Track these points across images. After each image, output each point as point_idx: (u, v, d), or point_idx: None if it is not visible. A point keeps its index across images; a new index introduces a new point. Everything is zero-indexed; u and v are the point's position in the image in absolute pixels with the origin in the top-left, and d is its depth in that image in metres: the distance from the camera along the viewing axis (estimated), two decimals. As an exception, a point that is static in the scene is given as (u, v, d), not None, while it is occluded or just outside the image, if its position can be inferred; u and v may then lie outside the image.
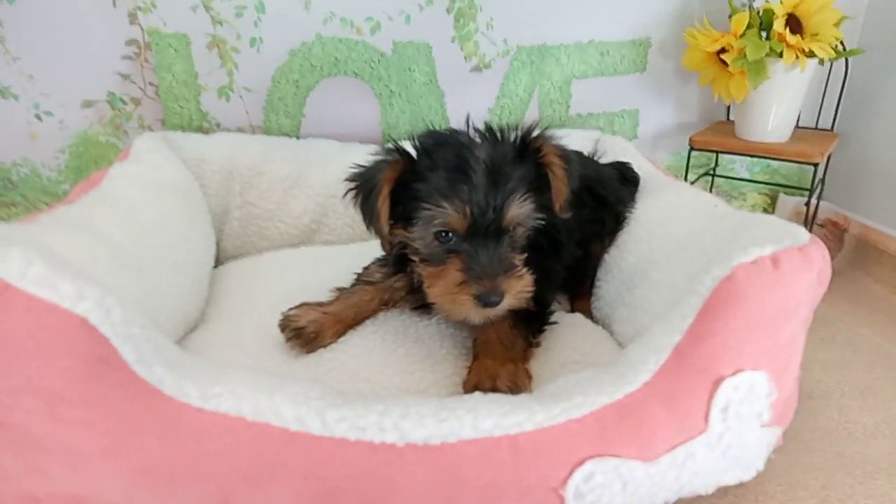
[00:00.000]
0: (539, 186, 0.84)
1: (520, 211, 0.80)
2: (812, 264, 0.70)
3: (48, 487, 0.61)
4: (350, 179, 0.86)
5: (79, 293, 0.57)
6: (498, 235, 0.80)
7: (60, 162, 1.45)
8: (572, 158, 0.87)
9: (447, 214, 0.78)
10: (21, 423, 0.59)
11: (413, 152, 0.83)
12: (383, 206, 0.81)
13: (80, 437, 0.59)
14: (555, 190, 0.84)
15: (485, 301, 0.77)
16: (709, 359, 0.68)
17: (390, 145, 0.84)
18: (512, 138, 0.85)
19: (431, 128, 0.89)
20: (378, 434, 0.63)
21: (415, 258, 0.86)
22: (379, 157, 0.84)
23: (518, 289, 0.80)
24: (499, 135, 0.85)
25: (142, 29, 1.36)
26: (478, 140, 0.84)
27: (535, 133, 0.85)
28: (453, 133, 0.86)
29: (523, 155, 0.83)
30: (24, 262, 0.58)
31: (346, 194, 0.86)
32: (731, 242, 0.73)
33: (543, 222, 0.85)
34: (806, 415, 0.98)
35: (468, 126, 0.86)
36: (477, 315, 0.80)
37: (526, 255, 0.85)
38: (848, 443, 0.93)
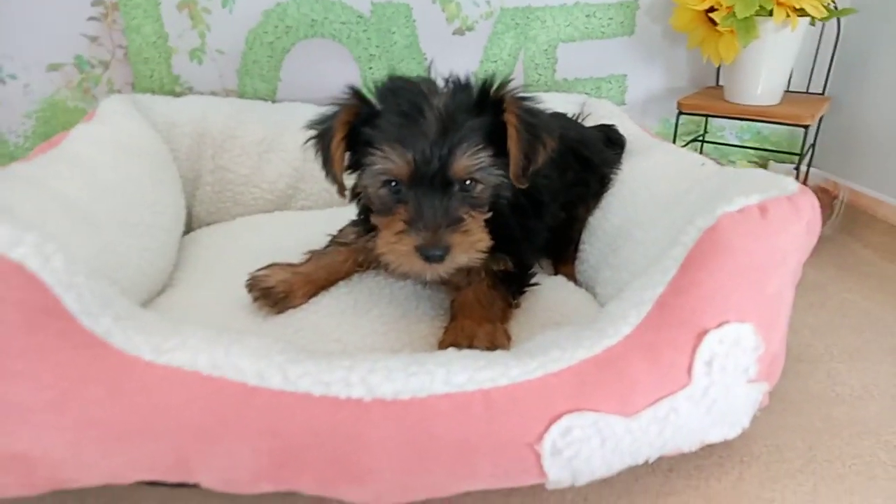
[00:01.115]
0: (503, 142, 0.79)
1: (469, 162, 0.75)
2: (801, 213, 0.67)
3: (-10, 446, 0.57)
4: (309, 126, 0.83)
5: (15, 238, 0.53)
6: (445, 187, 0.76)
7: (27, 128, 1.40)
8: (536, 120, 0.80)
9: (390, 161, 0.75)
10: (-43, 377, 0.55)
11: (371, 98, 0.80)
12: (337, 150, 0.78)
13: (21, 391, 0.55)
14: (510, 152, 0.78)
15: (426, 254, 0.73)
16: (692, 311, 0.64)
17: (347, 89, 0.80)
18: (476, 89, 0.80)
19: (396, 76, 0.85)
20: (344, 389, 0.59)
21: (368, 208, 0.82)
22: (336, 103, 0.80)
23: (466, 245, 0.75)
24: (459, 84, 0.80)
25: (108, -12, 1.30)
26: (442, 89, 0.80)
27: (497, 85, 0.79)
28: (415, 80, 0.82)
29: (483, 107, 0.78)
30: (-43, 204, 0.53)
31: (306, 142, 0.82)
32: (717, 195, 0.70)
33: (504, 179, 0.80)
34: (794, 377, 0.95)
35: (428, 73, 0.82)
36: (422, 269, 0.76)
37: (490, 212, 0.82)
38: (836, 404, 0.90)
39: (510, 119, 0.77)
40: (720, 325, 0.64)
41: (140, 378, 0.57)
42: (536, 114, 0.82)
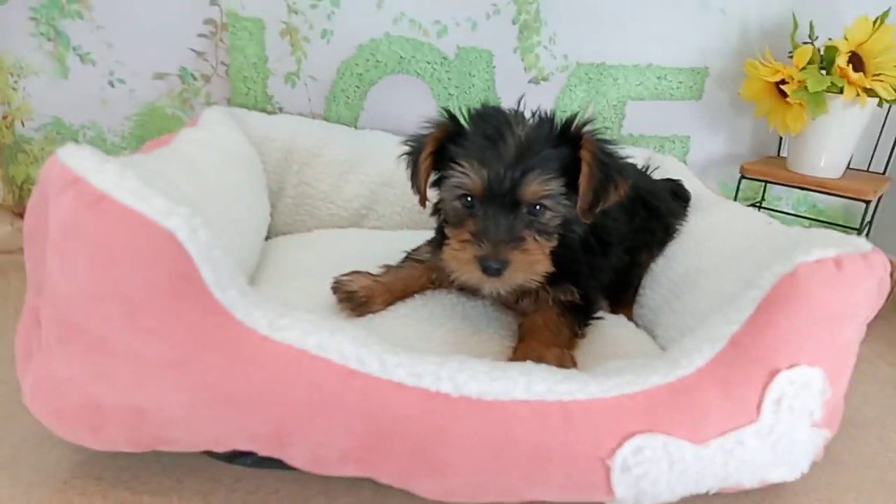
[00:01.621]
0: (577, 177, 0.83)
1: (539, 188, 0.81)
2: (873, 271, 0.71)
3: (113, 395, 0.63)
4: (404, 142, 0.91)
5: (169, 209, 0.60)
6: (513, 207, 0.81)
7: (125, 129, 1.50)
8: (609, 161, 0.85)
9: (467, 176, 0.81)
10: (98, 328, 0.61)
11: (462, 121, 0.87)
12: (424, 162, 0.86)
13: (151, 347, 0.61)
14: (580, 187, 0.82)
15: (484, 265, 0.78)
16: (766, 350, 0.68)
17: (442, 110, 0.89)
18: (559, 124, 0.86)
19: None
20: (434, 383, 0.64)
21: (446, 221, 0.89)
22: (430, 122, 0.88)
23: (524, 263, 0.80)
24: (544, 118, 0.86)
25: (220, 10, 1.42)
26: (526, 120, 0.86)
27: (578, 123, 0.85)
28: (504, 110, 0.88)
29: (562, 141, 0.84)
30: (120, 175, 0.61)
31: (400, 155, 0.91)
32: (794, 246, 0.74)
33: (573, 211, 0.84)
34: (846, 440, 0.96)
35: (519, 105, 0.89)
36: (480, 280, 0.80)
37: (557, 242, 0.87)
38: (889, 470, 0.91)
39: (584, 155, 0.82)
40: (792, 366, 0.67)
41: (255, 349, 0.63)
42: (611, 155, 0.87)
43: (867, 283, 0.70)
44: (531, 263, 0.81)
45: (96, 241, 0.59)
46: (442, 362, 0.66)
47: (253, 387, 0.63)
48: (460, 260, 0.80)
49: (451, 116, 0.88)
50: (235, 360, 0.62)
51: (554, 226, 0.86)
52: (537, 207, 0.82)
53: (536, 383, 0.66)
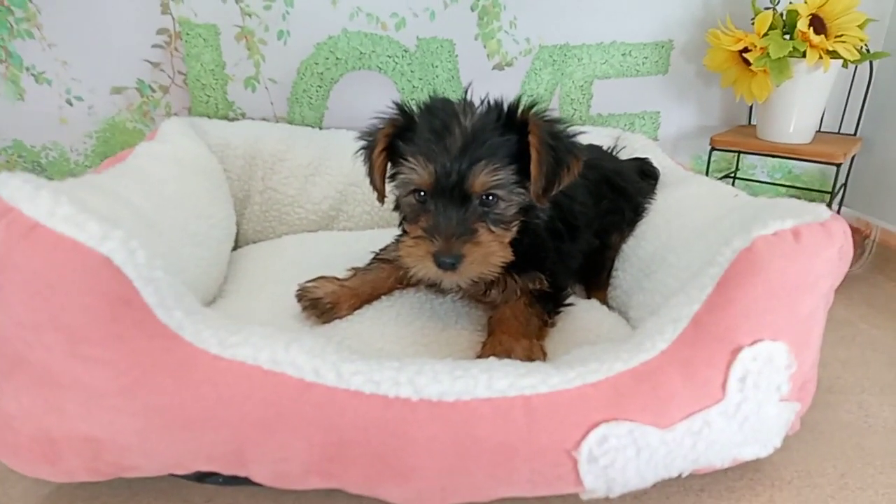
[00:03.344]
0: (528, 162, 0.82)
1: (487, 178, 0.79)
2: (833, 239, 0.70)
3: (65, 427, 0.62)
4: (359, 137, 0.90)
5: (104, 233, 0.59)
6: (464, 200, 0.80)
7: (88, 146, 1.48)
8: (558, 142, 0.82)
9: (415, 172, 0.80)
10: (42, 360, 0.60)
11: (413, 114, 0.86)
12: (378, 158, 0.85)
13: (98, 376, 0.60)
14: (531, 172, 0.81)
15: (439, 260, 0.77)
16: (727, 328, 0.67)
17: (393, 104, 0.87)
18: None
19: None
20: (393, 388, 0.63)
21: (405, 218, 0.88)
22: (381, 117, 0.87)
23: (478, 255, 0.79)
24: (492, 106, 0.85)
25: (173, 18, 1.39)
26: (475, 109, 0.84)
27: (525, 106, 0.83)
28: (452, 101, 0.87)
29: (510, 127, 0.82)
30: (53, 202, 0.59)
31: (356, 152, 0.90)
32: (753, 219, 0.73)
33: (523, 196, 0.83)
34: (825, 408, 0.96)
35: (466, 94, 0.87)
36: (437, 275, 0.80)
37: (516, 231, 0.85)
38: (867, 435, 0.91)
39: (532, 140, 0.81)
40: (754, 342, 0.67)
41: (206, 370, 0.62)
42: (560, 135, 0.84)
43: (827, 252, 0.69)
44: (486, 255, 0.80)
45: (31, 271, 0.58)
46: (400, 367, 0.65)
47: (207, 408, 0.61)
48: (415, 256, 0.80)
49: (402, 110, 0.87)
50: (186, 382, 0.61)
51: (511, 215, 0.84)
52: (489, 198, 0.81)
53: (498, 379, 0.65)
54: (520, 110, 0.83)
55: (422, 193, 0.82)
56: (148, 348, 0.61)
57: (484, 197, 0.81)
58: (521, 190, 0.82)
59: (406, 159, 0.81)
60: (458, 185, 0.79)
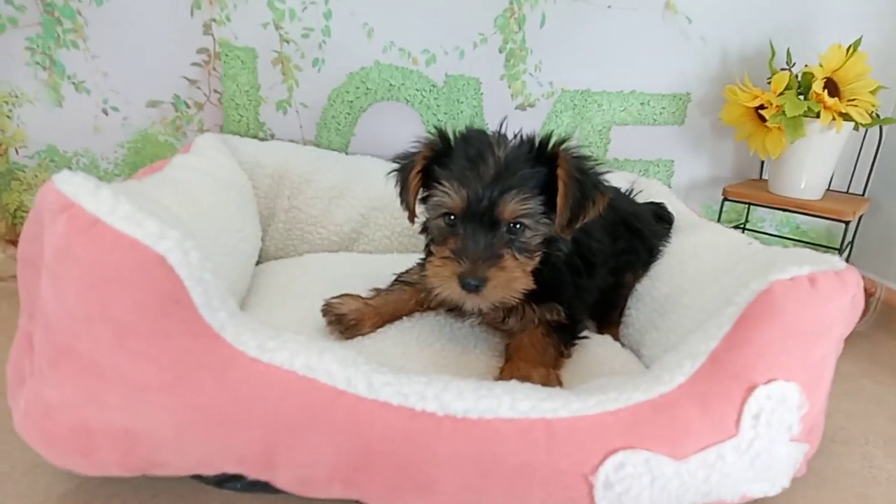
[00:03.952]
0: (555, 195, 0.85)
1: (516, 206, 0.83)
2: (847, 288, 0.73)
3: (104, 418, 0.64)
4: (394, 159, 0.94)
5: (161, 232, 0.62)
6: (493, 226, 0.83)
7: (119, 156, 1.52)
8: (585, 178, 0.86)
9: (448, 196, 0.84)
10: (89, 351, 0.63)
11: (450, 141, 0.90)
12: (413, 179, 0.88)
13: (141, 370, 0.62)
14: (557, 203, 0.84)
15: (464, 282, 0.80)
16: (744, 366, 0.70)
17: (432, 129, 0.91)
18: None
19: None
20: (419, 402, 0.65)
21: (433, 240, 0.91)
22: (420, 141, 0.91)
23: (502, 280, 0.82)
24: (524, 139, 0.89)
25: (214, 39, 1.45)
26: (508, 142, 0.89)
27: (554, 142, 0.87)
28: (488, 132, 0.91)
29: (540, 160, 0.86)
30: (114, 200, 0.62)
31: (390, 172, 0.94)
32: (770, 264, 0.76)
33: (552, 229, 0.87)
34: (830, 457, 0.98)
35: (501, 128, 0.92)
36: (461, 296, 0.82)
37: (539, 260, 0.89)
38: (872, 485, 0.92)
39: (560, 173, 0.84)
40: (769, 381, 0.69)
41: (244, 371, 0.64)
42: (587, 171, 0.88)
43: (841, 300, 0.72)
44: (509, 281, 0.83)
45: (87, 265, 0.61)
46: (428, 382, 0.67)
47: (242, 408, 0.64)
48: (441, 276, 0.82)
49: (441, 135, 0.91)
50: (225, 381, 0.64)
51: (535, 244, 0.88)
52: (516, 226, 0.84)
53: (521, 401, 0.67)
54: (550, 144, 0.87)
55: (452, 217, 0.86)
56: (192, 346, 0.63)
57: (512, 225, 0.84)
58: (547, 220, 0.86)
59: (441, 183, 0.85)
60: (488, 211, 0.82)
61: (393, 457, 0.65)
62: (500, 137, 0.89)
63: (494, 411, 0.66)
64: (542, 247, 0.89)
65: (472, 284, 0.80)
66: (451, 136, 0.91)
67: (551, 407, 0.68)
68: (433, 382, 0.67)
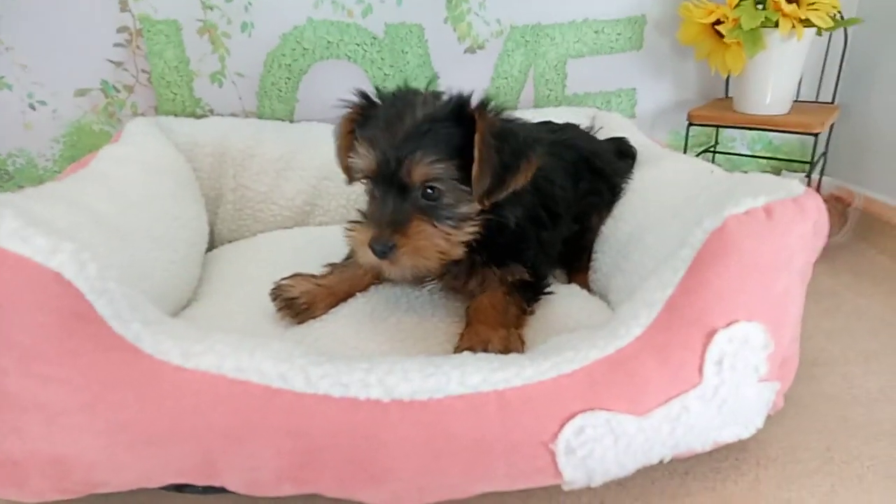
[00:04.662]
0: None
1: (425, 169, 0.77)
2: (806, 214, 0.68)
3: (27, 448, 0.60)
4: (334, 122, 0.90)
5: (52, 247, 0.56)
6: (404, 189, 0.79)
7: (55, 151, 1.44)
8: (505, 144, 0.78)
9: (362, 159, 0.80)
10: (-3, 382, 0.58)
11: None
12: (341, 141, 0.87)
13: (54, 394, 0.58)
14: (473, 170, 0.77)
15: (373, 247, 0.77)
16: (701, 311, 0.66)
17: (357, 92, 0.87)
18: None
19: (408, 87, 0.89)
20: (362, 390, 0.61)
21: None
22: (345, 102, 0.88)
23: (410, 247, 0.77)
24: (453, 98, 0.83)
25: (133, 16, 1.35)
26: (437, 101, 0.83)
27: (479, 102, 0.81)
28: (417, 91, 0.86)
29: (460, 121, 0.79)
30: (-2, 217, 0.57)
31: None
32: (724, 198, 0.71)
33: (466, 189, 0.79)
34: (809, 381, 0.95)
35: (428, 84, 0.87)
36: (375, 262, 0.79)
37: (470, 227, 0.82)
38: (852, 406, 0.91)
39: (476, 137, 0.77)
40: (729, 324, 0.66)
41: (168, 382, 0.60)
42: (508, 136, 0.80)
43: (800, 228, 0.68)
44: (419, 248, 0.78)
45: (-23, 291, 0.56)
46: (370, 368, 0.63)
47: (170, 422, 0.60)
48: (356, 242, 0.80)
49: (364, 96, 0.87)
50: (148, 395, 0.59)
51: (461, 212, 0.81)
52: (431, 191, 0.79)
53: (471, 375, 0.64)
54: (472, 105, 0.80)
55: (369, 180, 0.82)
56: (105, 362, 0.59)
57: (426, 189, 0.79)
58: (466, 188, 0.79)
59: (359, 145, 0.81)
60: (396, 173, 0.78)
61: (339, 451, 0.62)
62: (429, 96, 0.83)
63: (443, 389, 0.63)
64: (475, 216, 0.82)
65: (380, 250, 0.77)
66: (377, 96, 0.85)
67: (503, 377, 0.64)
68: (376, 367, 0.63)
